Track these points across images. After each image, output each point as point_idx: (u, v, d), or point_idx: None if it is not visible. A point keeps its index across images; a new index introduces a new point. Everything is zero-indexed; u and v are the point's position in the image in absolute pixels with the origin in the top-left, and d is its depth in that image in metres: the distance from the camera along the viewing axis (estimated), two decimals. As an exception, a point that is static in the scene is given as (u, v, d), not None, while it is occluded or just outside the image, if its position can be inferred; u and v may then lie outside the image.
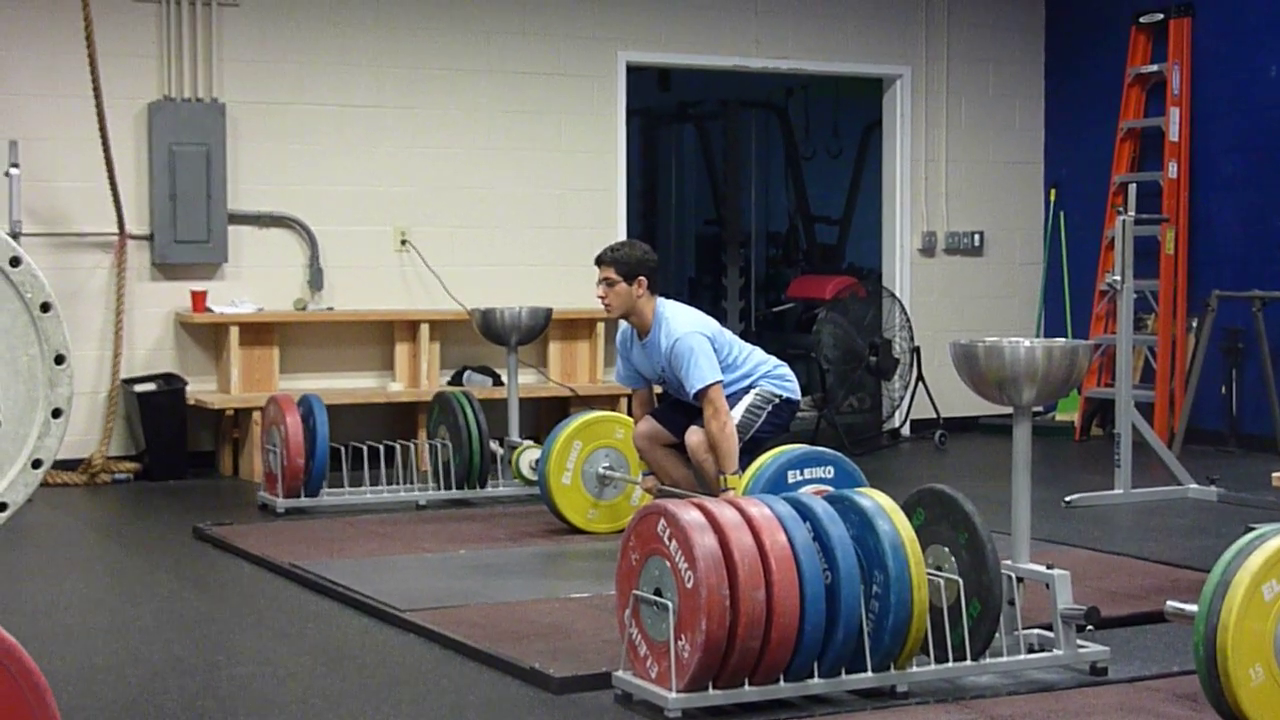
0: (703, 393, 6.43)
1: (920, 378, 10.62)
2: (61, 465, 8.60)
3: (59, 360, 3.24)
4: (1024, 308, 11.53)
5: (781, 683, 4.32)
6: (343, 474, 7.96)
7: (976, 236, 11.33)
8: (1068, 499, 7.99)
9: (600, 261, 6.70)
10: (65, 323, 3.27)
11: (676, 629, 4.22)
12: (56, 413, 3.25)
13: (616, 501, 7.20)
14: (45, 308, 3.24)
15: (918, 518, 4.68)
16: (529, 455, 7.76)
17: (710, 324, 6.70)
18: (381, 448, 8.08)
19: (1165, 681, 4.66)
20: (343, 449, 8.07)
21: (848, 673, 4.40)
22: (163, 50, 9.13)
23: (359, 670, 4.90)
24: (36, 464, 3.25)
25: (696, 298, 13.70)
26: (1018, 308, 11.51)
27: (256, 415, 8.71)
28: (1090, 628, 4.73)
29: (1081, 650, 4.75)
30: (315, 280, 9.48)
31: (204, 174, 9.10)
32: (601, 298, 6.69)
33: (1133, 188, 8.77)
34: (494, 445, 8.08)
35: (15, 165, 8.67)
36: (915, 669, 4.52)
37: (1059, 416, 11.02)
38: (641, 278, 6.62)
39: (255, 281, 9.38)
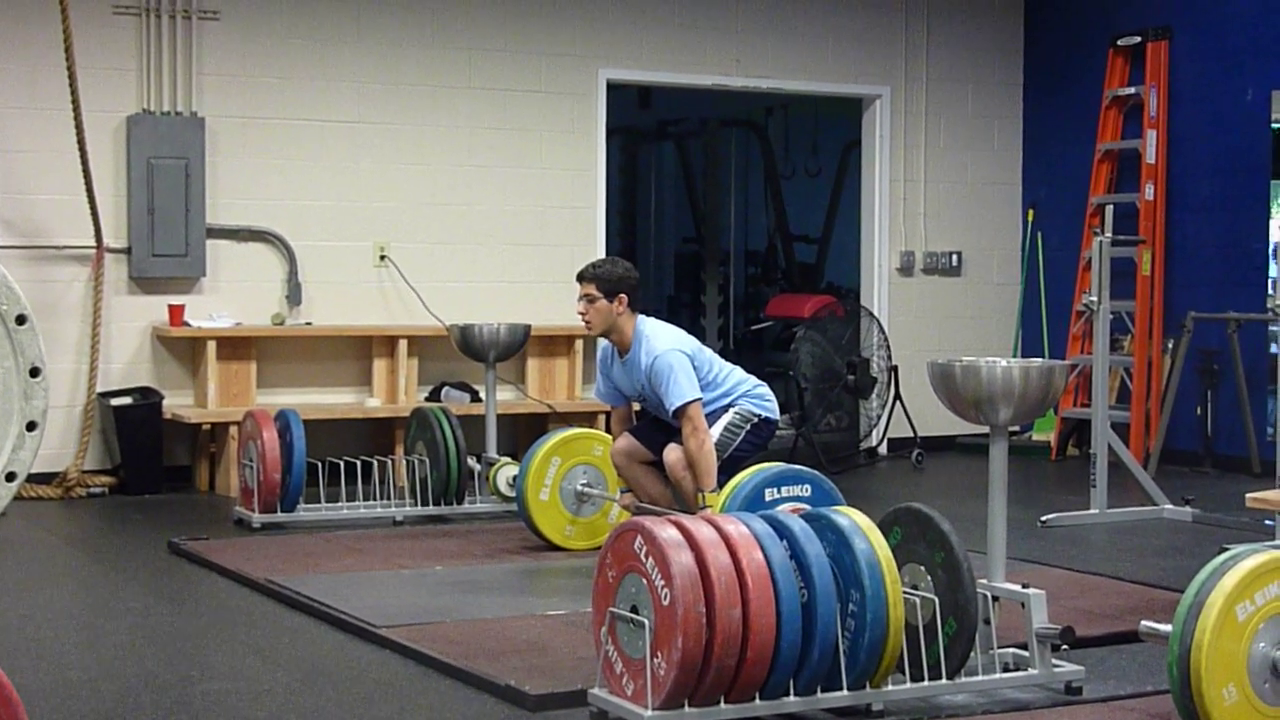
0: (681, 410, 6.43)
1: (898, 397, 10.64)
2: (36, 479, 8.56)
3: (34, 373, 3.23)
4: (1001, 328, 11.56)
5: (757, 701, 4.31)
6: (319, 489, 7.94)
7: (954, 256, 11.37)
8: (1044, 518, 8.00)
9: (581, 278, 6.69)
10: (41, 335, 3.26)
11: (653, 646, 4.22)
12: (31, 425, 3.24)
13: (594, 518, 7.20)
14: (21, 320, 3.24)
15: (894, 536, 4.69)
16: (507, 471, 7.75)
17: (690, 342, 6.70)
18: (359, 463, 8.06)
19: (1140, 701, 4.67)
20: (320, 464, 8.04)
21: (823, 691, 4.40)
22: (142, 63, 9.12)
23: (334, 687, 4.89)
24: (10, 477, 3.24)
25: (675, 315, 13.72)
26: (995, 328, 11.54)
27: (233, 430, 8.69)
28: (1065, 647, 4.75)
29: (1056, 669, 4.76)
30: (293, 295, 9.47)
31: (182, 188, 9.08)
32: (582, 314, 6.69)
33: (1110, 209, 8.81)
34: (472, 461, 8.07)
35: (-7, 177, 8.66)
36: (891, 687, 4.52)
37: (1035, 436, 11.05)
38: (622, 295, 6.62)
39: (233, 296, 9.36)
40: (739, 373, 6.81)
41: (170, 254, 9.10)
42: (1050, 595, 4.86)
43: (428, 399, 9.57)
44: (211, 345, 9.00)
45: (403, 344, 9.46)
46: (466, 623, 5.65)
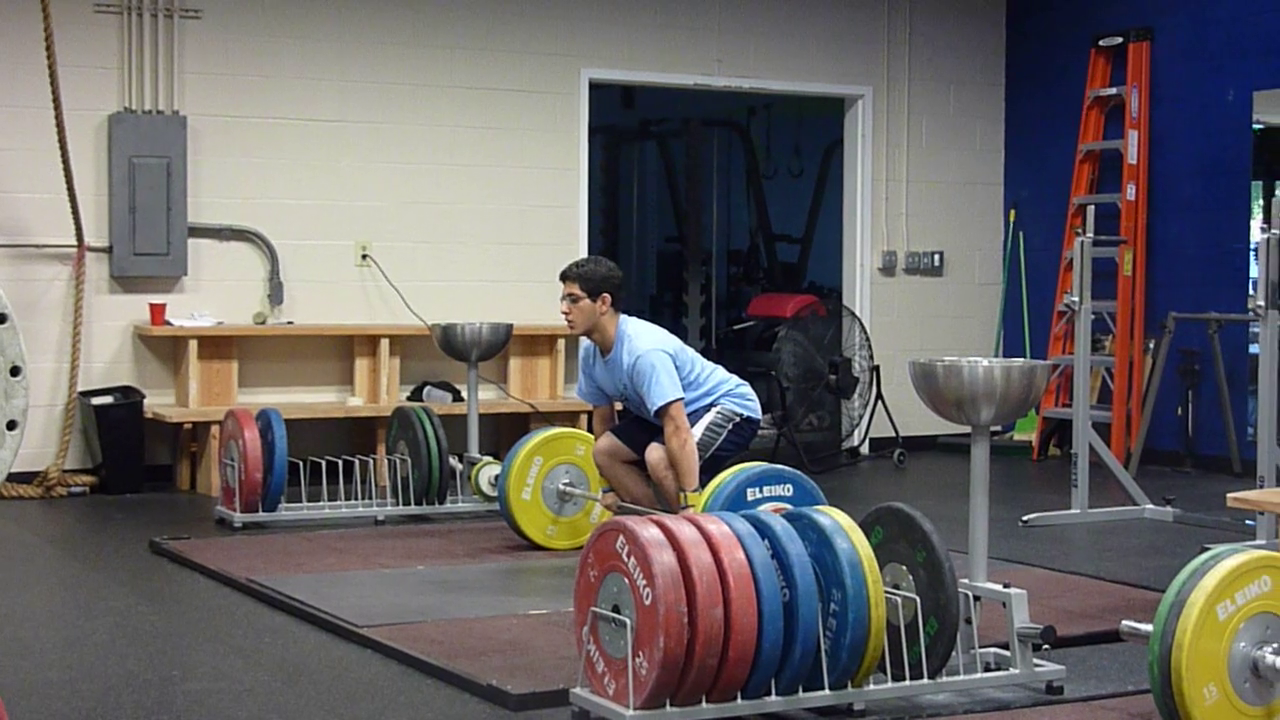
0: (664, 410, 6.43)
1: (879, 396, 10.65)
2: (17, 478, 8.54)
3: (14, 372, 3.22)
4: (983, 327, 11.58)
5: (739, 700, 4.32)
6: (301, 489, 7.93)
7: (936, 256, 11.38)
8: (1025, 518, 8.02)
9: (565, 277, 6.69)
10: (21, 334, 3.25)
11: (634, 646, 4.22)
12: (11, 425, 3.22)
13: (576, 518, 7.20)
14: (1, 319, 3.23)
15: (876, 536, 4.70)
16: (488, 471, 7.75)
17: (673, 341, 6.70)
18: (340, 463, 8.05)
19: (1120, 700, 4.68)
20: (301, 464, 8.03)
21: (805, 690, 4.40)
22: (124, 62, 9.10)
23: (315, 686, 4.88)
24: (-9, 476, 3.23)
25: (657, 315, 13.71)
26: (977, 327, 11.56)
27: (214, 429, 8.67)
28: (1046, 647, 4.75)
29: (1038, 669, 4.76)
30: (275, 294, 9.45)
31: (164, 186, 9.06)
32: (565, 313, 6.68)
33: (1091, 209, 8.82)
34: (453, 461, 8.07)
35: (-27, 176, 8.63)
36: (872, 687, 4.52)
37: (1017, 436, 11.07)
38: (606, 294, 6.62)
39: (215, 295, 9.34)
40: (721, 372, 6.82)
41: (152, 253, 9.07)
42: (1031, 595, 4.87)
43: (410, 398, 9.56)
44: (193, 344, 8.98)
45: (384, 343, 9.45)
46: (448, 622, 5.64)
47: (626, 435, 6.80)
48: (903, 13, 11.26)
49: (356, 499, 8.09)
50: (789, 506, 5.40)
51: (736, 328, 12.99)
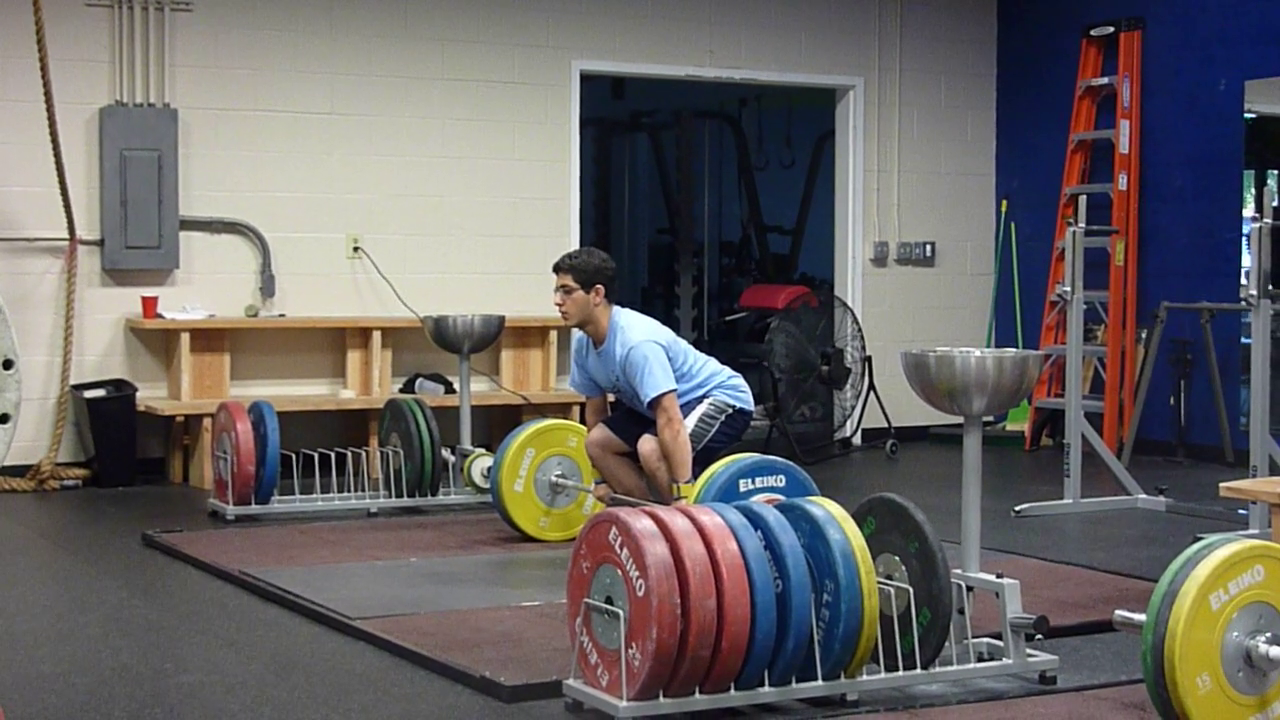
0: (656, 401, 6.43)
1: (872, 387, 10.65)
2: (9, 471, 8.54)
3: (7, 365, 3.22)
4: (975, 318, 11.58)
5: (732, 691, 4.32)
6: (294, 481, 7.93)
7: (928, 247, 11.38)
8: (1017, 508, 8.03)
9: (558, 269, 6.69)
10: (14, 328, 3.25)
11: (627, 637, 4.22)
12: (4, 418, 3.22)
13: (569, 510, 7.20)
14: (-7, 313, 3.22)
15: (868, 527, 4.70)
16: (481, 463, 7.75)
17: (665, 333, 6.71)
18: (333, 455, 8.05)
19: (1113, 690, 4.69)
20: (294, 456, 8.03)
21: (798, 681, 4.41)
22: (115, 55, 9.08)
23: (308, 679, 4.88)
24: (-17, 470, 3.23)
25: (649, 306, 13.72)
26: (969, 318, 11.56)
27: (207, 422, 8.66)
28: (1039, 637, 4.76)
29: (1031, 659, 4.77)
30: (267, 287, 9.44)
31: (155, 179, 9.05)
32: (559, 305, 6.68)
33: (1083, 199, 8.82)
34: (446, 453, 8.07)
35: (-36, 169, 8.61)
36: (865, 677, 4.53)
37: (1009, 426, 11.07)
38: (599, 286, 6.62)
39: (206, 288, 9.33)
40: (713, 364, 6.82)
41: (143, 246, 9.06)
42: (1024, 585, 4.88)
43: (402, 390, 9.56)
44: (185, 337, 8.97)
45: (376, 335, 9.44)
46: (441, 614, 5.64)
47: (619, 427, 6.80)
48: (894, 3, 11.26)
49: (349, 491, 8.08)
50: (781, 497, 5.40)
51: (728, 319, 13.00)
